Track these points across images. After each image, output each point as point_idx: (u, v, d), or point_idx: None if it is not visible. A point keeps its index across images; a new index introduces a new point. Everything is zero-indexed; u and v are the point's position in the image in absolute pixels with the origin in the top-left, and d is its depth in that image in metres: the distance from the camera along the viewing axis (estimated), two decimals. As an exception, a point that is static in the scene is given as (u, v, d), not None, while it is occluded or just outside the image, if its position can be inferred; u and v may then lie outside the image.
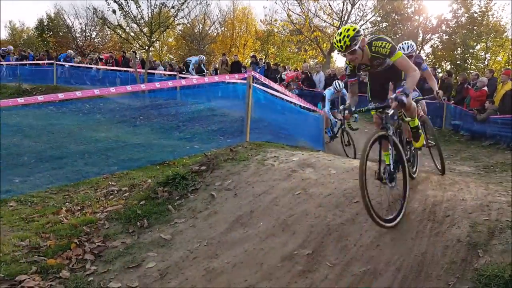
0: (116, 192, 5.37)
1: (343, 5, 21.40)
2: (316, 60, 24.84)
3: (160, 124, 8.36)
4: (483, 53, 20.99)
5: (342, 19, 21.76)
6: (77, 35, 28.70)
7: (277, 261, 3.19)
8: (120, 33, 14.88)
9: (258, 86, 7.90)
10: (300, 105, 9.74)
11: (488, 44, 20.56)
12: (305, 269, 3.07)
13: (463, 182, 4.25)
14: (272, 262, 3.19)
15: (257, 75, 6.98)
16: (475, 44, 20.56)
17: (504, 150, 9.32)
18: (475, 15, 20.43)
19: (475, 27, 20.29)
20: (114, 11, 13.06)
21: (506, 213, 3.25)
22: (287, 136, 7.91)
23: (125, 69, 16.34)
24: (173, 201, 4.42)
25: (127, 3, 12.90)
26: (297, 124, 8.89)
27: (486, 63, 20.58)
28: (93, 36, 29.12)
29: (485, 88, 10.91)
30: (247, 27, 27.72)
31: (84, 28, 28.44)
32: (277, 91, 8.49)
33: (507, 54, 20.88)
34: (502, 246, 2.86)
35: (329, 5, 21.91)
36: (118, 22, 14.65)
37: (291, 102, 9.25)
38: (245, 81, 6.44)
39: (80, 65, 17.99)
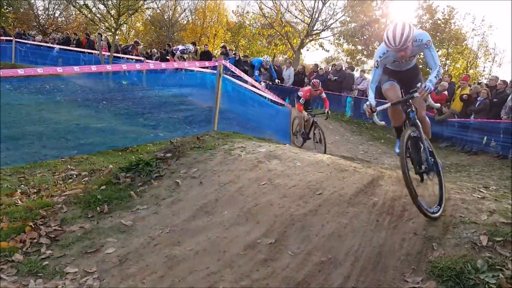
0: (75, 176, 5.16)
1: (315, 2, 21.60)
2: (286, 56, 24.99)
3: (123, 109, 8.05)
4: (444, 59, 22.00)
5: (313, 16, 21.99)
6: (40, 12, 27.11)
7: (240, 249, 3.19)
8: (86, 13, 14.24)
9: (227, 76, 7.83)
10: (268, 98, 9.78)
11: (449, 51, 21.57)
12: (267, 257, 3.09)
13: (421, 179, 4.43)
14: (235, 251, 3.18)
15: (228, 65, 6.91)
16: (437, 50, 21.45)
17: (459, 152, 9.86)
18: (439, 21, 21.36)
19: (438, 34, 21.20)
20: (80, -10, 12.45)
21: (459, 209, 3.43)
22: (254, 127, 7.90)
23: (89, 51, 15.64)
24: (136, 187, 4.30)
25: (95, -18, 12.33)
26: (265, 117, 8.91)
27: (446, 68, 21.58)
28: (56, 15, 27.61)
29: (445, 92, 11.45)
30: (218, 17, 27.36)
31: (47, 6, 26.89)
32: (247, 82, 8.47)
33: (466, 61, 22.02)
34: (455, 240, 3.01)
35: (301, 1, 22.05)
36: (84, 2, 14.01)
37: (260, 94, 9.25)
38: (214, 71, 6.36)
39: (41, 44, 17.03)
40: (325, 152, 7.89)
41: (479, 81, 16.25)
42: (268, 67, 13.42)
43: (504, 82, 10.02)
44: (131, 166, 4.61)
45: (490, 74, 19.84)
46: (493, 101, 9.62)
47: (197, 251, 3.19)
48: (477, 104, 9.83)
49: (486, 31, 21.67)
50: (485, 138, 9.54)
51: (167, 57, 14.33)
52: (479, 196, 3.84)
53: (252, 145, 5.44)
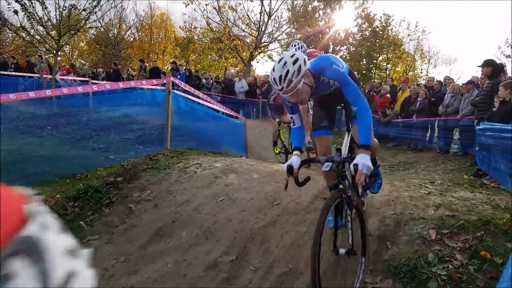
0: (18, 210, 4.79)
1: (260, 16, 22.06)
2: (237, 68, 25.20)
3: (70, 134, 7.67)
4: (385, 64, 23.31)
5: (260, 29, 22.42)
6: (-30, 35, 25.30)
7: (200, 270, 3.12)
8: (24, 35, 13.48)
9: (178, 92, 7.74)
10: (222, 112, 9.78)
11: (389, 56, 22.91)
12: (229, 275, 3.04)
13: (372, 180, 4.61)
14: (195, 272, 3.10)
15: (177, 81, 6.83)
16: (378, 55, 22.77)
17: (406, 150, 10.39)
18: (377, 29, 22.65)
19: (377, 40, 22.48)
20: (15, 12, 11.77)
21: (408, 207, 3.60)
22: (210, 142, 7.85)
23: (29, 74, 14.84)
24: (86, 217, 4.08)
25: (31, 3, 11.69)
26: (220, 131, 8.89)
27: (387, 72, 22.87)
28: (-10, 37, 25.93)
29: (388, 95, 12.11)
30: (165, 33, 27.12)
31: (-21, 28, 25.12)
32: (199, 97, 8.41)
33: (405, 65, 23.49)
34: (407, 237, 3.14)
35: (247, 15, 22.42)
36: (21, 24, 13.27)
37: (213, 109, 9.23)
38: (165, 87, 6.27)
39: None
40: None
41: (418, 83, 17.36)
42: None
43: (439, 82, 10.77)
44: (79, 194, 4.38)
45: (427, 75, 21.27)
46: (431, 100, 10.28)
47: (155, 278, 3.07)
48: (417, 104, 10.45)
49: (420, 36, 23.35)
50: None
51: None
52: (426, 192, 4.07)
53: (208, 161, 5.38)
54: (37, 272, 0.54)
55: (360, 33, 23.00)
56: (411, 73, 23.25)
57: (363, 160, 2.43)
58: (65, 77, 15.19)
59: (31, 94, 4.68)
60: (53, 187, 5.73)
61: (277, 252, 3.24)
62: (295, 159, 2.73)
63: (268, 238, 3.43)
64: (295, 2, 22.51)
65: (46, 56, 17.99)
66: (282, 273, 3.01)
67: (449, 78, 11.17)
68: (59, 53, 14.52)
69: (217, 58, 26.09)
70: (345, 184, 2.74)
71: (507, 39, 19.87)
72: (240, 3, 21.98)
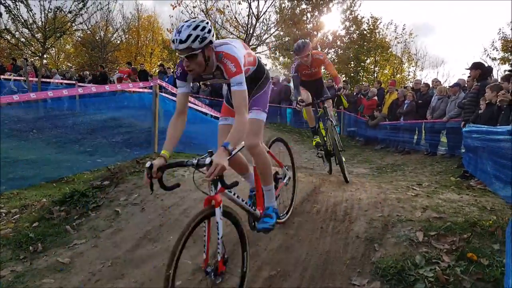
0: (4, 215, 4.71)
1: (248, 18, 22.07)
2: (226, 71, 25.13)
3: (56, 137, 7.55)
4: (372, 66, 23.56)
5: (248, 32, 22.44)
6: (-48, 37, 24.71)
7: (188, 274, 3.09)
8: (9, 38, 13.28)
9: (166, 95, 7.69)
10: (210, 115, 9.73)
11: (376, 59, 23.16)
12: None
13: (359, 183, 4.65)
14: (183, 276, 3.07)
15: (164, 84, 6.78)
16: (365, 58, 23.00)
17: (393, 153, 10.49)
18: (365, 32, 22.90)
19: (365, 43, 22.71)
20: (-1, 14, 11.59)
21: (396, 209, 3.63)
22: (199, 145, 7.78)
23: (15, 77, 14.60)
24: (72, 221, 4.02)
25: (16, 5, 11.49)
26: (208, 134, 8.82)
27: (375, 75, 23.11)
28: (-27, 40, 25.39)
29: (375, 97, 12.23)
30: (153, 35, 26.96)
31: (-39, 30, 24.56)
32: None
33: (392, 67, 23.78)
34: (394, 239, 3.16)
35: (235, 18, 22.41)
36: (5, 26, 13.08)
37: (201, 111, 9.19)
38: (152, 90, 6.23)
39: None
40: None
41: (405, 85, 17.57)
42: None
43: (427, 84, 10.91)
44: (66, 199, 4.31)
45: (414, 78, 21.55)
46: (418, 102, 10.40)
47: (142, 282, 3.03)
48: (405, 106, 10.57)
49: (408, 39, 23.66)
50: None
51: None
52: (413, 194, 4.11)
53: (195, 164, 5.34)
54: None
55: (348, 36, 23.23)
56: (398, 75, 23.53)
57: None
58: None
59: (16, 98, 4.60)
60: (39, 191, 5.65)
61: (265, 255, 3.24)
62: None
63: (257, 241, 3.42)
64: (283, 5, 22.60)
65: (32, 59, 17.74)
66: (270, 276, 3.00)
67: (436, 81, 11.33)
68: (45, 56, 14.34)
69: (205, 60, 25.95)
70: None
71: (493, 41, 20.31)
72: (228, 6, 21.95)
